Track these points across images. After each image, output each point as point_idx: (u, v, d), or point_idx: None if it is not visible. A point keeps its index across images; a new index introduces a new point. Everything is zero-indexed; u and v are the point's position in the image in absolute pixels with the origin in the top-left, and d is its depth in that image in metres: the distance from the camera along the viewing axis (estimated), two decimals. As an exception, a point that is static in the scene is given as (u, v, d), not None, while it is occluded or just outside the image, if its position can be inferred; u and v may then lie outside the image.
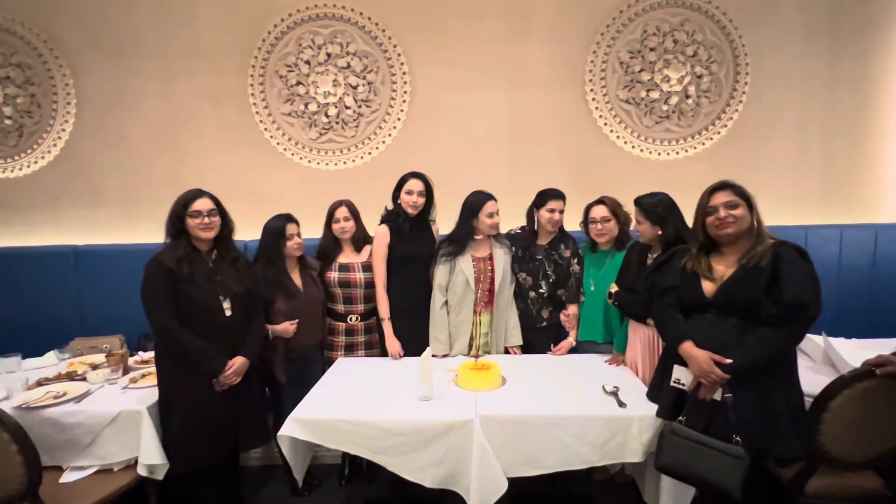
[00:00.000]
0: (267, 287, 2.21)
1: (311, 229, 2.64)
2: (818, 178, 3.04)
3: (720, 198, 1.55)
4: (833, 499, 1.67)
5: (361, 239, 2.51)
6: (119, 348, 2.63)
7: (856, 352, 2.03)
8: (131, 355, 2.52)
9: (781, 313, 1.41)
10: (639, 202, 2.03)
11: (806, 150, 3.02)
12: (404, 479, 1.74)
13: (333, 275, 2.42)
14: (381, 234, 2.42)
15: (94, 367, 2.32)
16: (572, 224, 2.57)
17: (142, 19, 2.95)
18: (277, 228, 2.29)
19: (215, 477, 2.06)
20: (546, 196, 2.35)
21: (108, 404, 1.95)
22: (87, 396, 2.01)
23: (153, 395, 1.98)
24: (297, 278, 2.35)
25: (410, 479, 1.74)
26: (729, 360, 1.44)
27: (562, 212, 2.34)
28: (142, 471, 1.87)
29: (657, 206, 1.98)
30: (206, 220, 1.92)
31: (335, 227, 2.45)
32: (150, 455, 1.86)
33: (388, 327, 2.40)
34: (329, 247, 2.48)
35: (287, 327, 2.26)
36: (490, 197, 2.34)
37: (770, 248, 1.49)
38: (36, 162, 3.05)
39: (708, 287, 1.55)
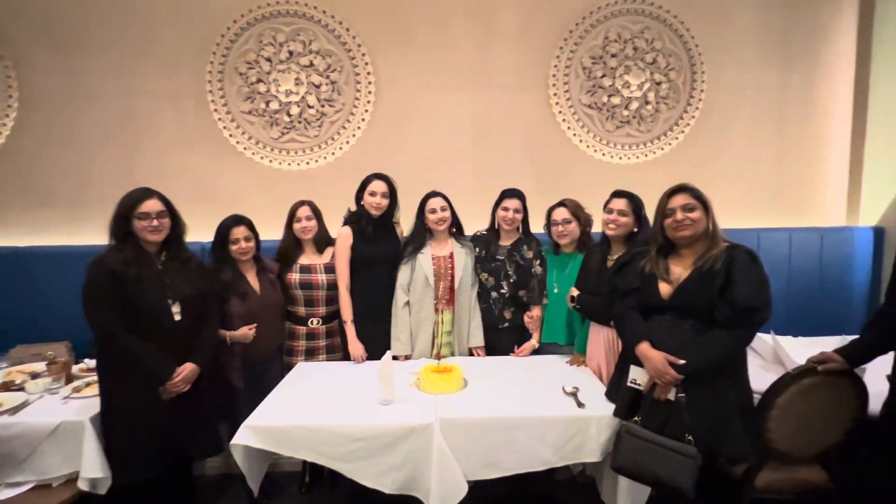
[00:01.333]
0: (220, 288, 2.14)
1: (272, 231, 2.57)
2: (769, 184, 3.16)
3: (678, 200, 1.59)
4: (781, 492, 1.72)
5: (323, 240, 2.46)
6: (64, 356, 2.49)
7: (803, 350, 2.11)
8: (76, 363, 2.39)
9: (734, 316, 1.45)
10: (626, 194, 2.05)
11: (758, 157, 3.14)
12: (365, 485, 1.71)
13: (294, 276, 2.36)
14: (343, 236, 2.38)
15: (34, 375, 2.19)
16: (538, 226, 2.60)
17: (94, 13, 2.83)
18: (223, 230, 2.22)
19: (165, 488, 1.97)
20: (502, 195, 2.39)
21: (48, 415, 1.84)
22: (25, 408, 1.90)
23: (96, 404, 1.88)
24: (253, 280, 2.28)
25: (369, 486, 1.71)
26: (682, 361, 1.47)
27: (518, 211, 2.35)
28: (83, 485, 1.77)
29: (641, 204, 2.02)
30: (155, 222, 1.83)
31: (296, 226, 2.39)
32: (92, 468, 1.76)
33: (350, 330, 2.36)
34: (290, 248, 2.42)
35: (246, 333, 2.19)
36: (435, 194, 2.36)
37: (724, 251, 1.53)
38: (-26, 158, 2.87)
39: (665, 289, 1.58)
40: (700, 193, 1.60)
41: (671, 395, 1.51)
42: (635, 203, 2.02)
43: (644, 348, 1.55)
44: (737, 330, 1.47)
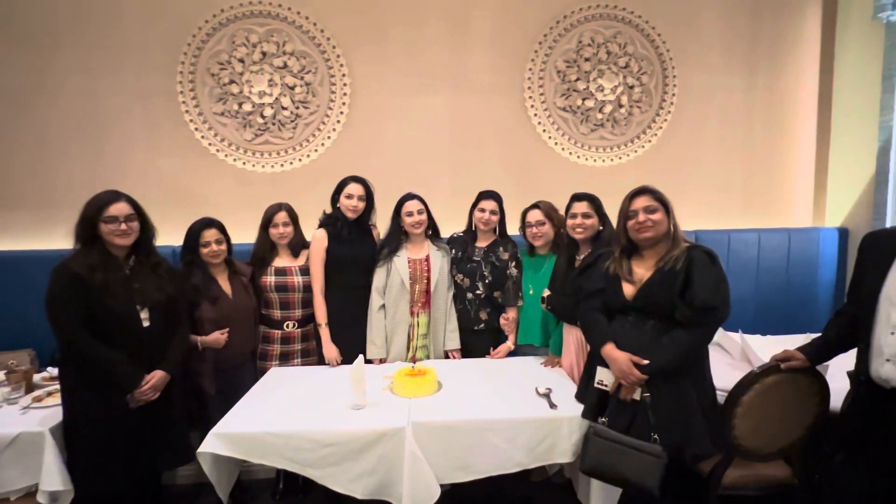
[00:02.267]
0: (191, 292, 2.09)
1: (245, 234, 2.53)
2: (739, 185, 3.24)
3: (640, 202, 1.61)
4: (747, 489, 1.76)
5: (299, 244, 2.43)
6: (26, 364, 2.42)
7: (771, 348, 2.14)
8: (38, 371, 2.31)
9: (694, 316, 1.48)
10: (587, 196, 2.09)
11: (727, 159, 3.21)
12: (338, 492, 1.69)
13: (269, 279, 2.33)
14: (319, 238, 2.35)
15: (-6, 385, 2.11)
16: (514, 228, 2.62)
17: (60, 10, 2.75)
18: (193, 233, 2.18)
19: (132, 500, 1.91)
20: (479, 196, 2.41)
21: (6, 426, 1.78)
22: (-19, 418, 1.83)
23: (58, 414, 1.82)
24: (224, 284, 2.24)
25: (341, 492, 1.69)
26: (646, 361, 1.49)
27: (494, 212, 2.36)
28: (42, 498, 1.71)
29: (600, 203, 2.05)
30: (123, 226, 1.78)
31: (273, 231, 2.36)
32: (52, 481, 1.70)
33: (325, 333, 2.33)
34: (265, 251, 2.39)
35: (218, 337, 2.15)
36: (411, 196, 2.35)
37: (684, 251, 1.56)
38: (-69, 160, 2.77)
39: (628, 290, 1.60)
40: (661, 195, 1.63)
41: (637, 395, 1.53)
42: (596, 203, 2.07)
43: (609, 349, 1.57)
44: (696, 329, 1.50)
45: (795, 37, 3.15)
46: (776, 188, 3.26)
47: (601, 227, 2.08)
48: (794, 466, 1.77)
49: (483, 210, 2.35)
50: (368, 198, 2.41)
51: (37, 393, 2.02)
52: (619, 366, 1.53)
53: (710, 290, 1.48)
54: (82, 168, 2.85)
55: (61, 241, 2.77)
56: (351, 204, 2.34)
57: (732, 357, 2.28)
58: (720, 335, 2.40)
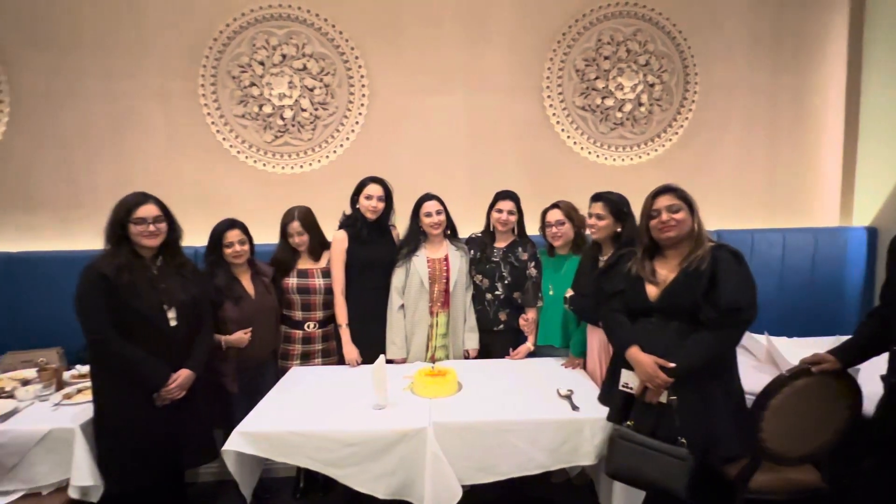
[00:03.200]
0: (214, 292, 2.12)
1: (267, 234, 2.56)
2: (762, 185, 3.17)
3: (663, 201, 1.59)
4: (774, 493, 1.72)
5: (319, 246, 2.44)
6: (56, 362, 2.47)
7: (797, 350, 2.11)
8: (68, 369, 2.36)
9: (719, 317, 1.46)
10: (601, 197, 2.06)
11: (751, 158, 3.15)
12: (359, 491, 1.70)
13: (292, 281, 2.35)
14: (339, 240, 2.37)
15: (25, 382, 2.17)
16: (533, 228, 2.60)
17: (84, 14, 2.81)
18: (217, 234, 2.21)
19: (157, 496, 1.95)
20: (495, 197, 2.40)
21: (38, 422, 1.82)
22: (14, 415, 1.87)
23: (88, 411, 1.86)
24: (247, 284, 2.26)
25: (363, 491, 1.70)
26: (672, 364, 1.47)
27: (511, 212, 2.35)
28: (73, 493, 1.75)
29: (621, 204, 2.02)
30: (152, 227, 1.82)
31: (290, 241, 2.38)
32: (83, 476, 1.74)
33: (345, 334, 2.35)
34: (286, 256, 2.41)
35: (241, 337, 2.17)
36: (429, 197, 2.36)
37: (709, 251, 1.53)
38: (-36, 163, 2.85)
39: (652, 291, 1.58)
40: (685, 194, 1.60)
41: (663, 398, 1.50)
42: (612, 203, 2.03)
43: (634, 352, 1.55)
44: (722, 331, 1.47)
45: (822, 32, 3.08)
46: (801, 187, 3.19)
47: (619, 229, 2.05)
48: (824, 471, 1.73)
49: (500, 210, 2.35)
50: (388, 198, 2.42)
51: (67, 390, 2.07)
52: (645, 369, 1.51)
53: (736, 291, 1.45)
54: (105, 170, 2.91)
55: (86, 241, 2.88)
56: (371, 205, 2.35)
57: (758, 359, 2.24)
58: (745, 337, 2.35)
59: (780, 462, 1.68)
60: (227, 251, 2.20)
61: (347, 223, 2.41)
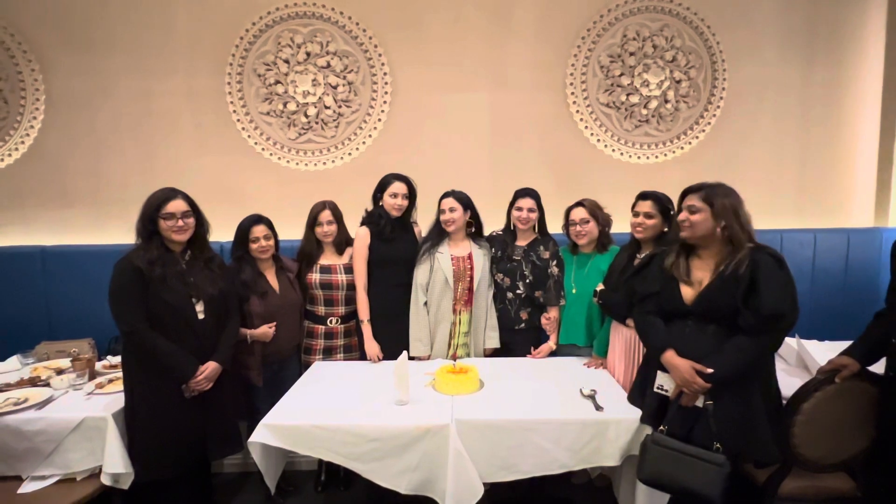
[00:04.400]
0: (240, 287, 2.16)
1: (290, 230, 2.60)
2: (793, 183, 3.09)
3: (687, 201, 1.56)
4: (806, 500, 1.68)
5: (343, 241, 2.47)
6: (88, 352, 2.55)
7: (828, 354, 2.04)
8: (99, 359, 2.44)
9: (759, 323, 1.42)
10: (652, 195, 2.02)
11: (781, 156, 3.07)
12: (380, 486, 1.71)
13: (315, 276, 2.38)
14: (361, 236, 2.38)
15: (59, 371, 2.24)
16: (556, 227, 2.58)
17: (114, 16, 2.88)
18: (243, 229, 2.25)
19: (185, 485, 2.00)
20: (515, 195, 2.38)
21: (72, 411, 1.88)
22: (50, 403, 1.94)
23: (119, 401, 1.91)
24: (272, 279, 2.30)
25: (385, 486, 1.71)
26: (710, 370, 1.44)
27: (532, 210, 2.33)
28: (106, 480, 1.81)
29: (668, 202, 1.99)
30: (180, 222, 1.86)
31: (318, 230, 2.40)
32: (115, 464, 1.79)
33: (367, 329, 2.36)
34: (311, 248, 2.43)
35: (266, 331, 2.21)
36: (448, 194, 2.35)
37: (747, 254, 1.49)
38: (2, 160, 2.95)
39: (687, 293, 1.55)
40: (711, 196, 1.55)
41: (699, 403, 1.47)
42: (661, 203, 1.99)
43: (670, 356, 1.52)
44: (762, 336, 1.44)
45: (859, 24, 2.97)
46: (834, 187, 3.09)
47: (665, 229, 2.01)
48: (857, 479, 1.68)
49: (520, 209, 2.33)
50: (411, 196, 2.43)
51: (99, 380, 2.13)
52: (681, 374, 1.48)
53: (778, 297, 1.41)
54: (135, 167, 2.98)
55: (117, 236, 2.96)
56: (396, 203, 2.36)
57: (788, 363, 2.18)
58: (775, 340, 2.30)
59: (813, 469, 1.64)
60: (253, 246, 2.23)
61: (370, 220, 2.42)
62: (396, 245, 2.39)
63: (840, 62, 3.01)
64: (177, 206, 1.87)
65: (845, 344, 2.32)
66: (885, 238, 2.93)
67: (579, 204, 2.28)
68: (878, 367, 1.64)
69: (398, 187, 2.37)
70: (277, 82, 2.96)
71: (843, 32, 2.99)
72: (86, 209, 3.01)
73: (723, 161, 3.06)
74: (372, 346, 2.35)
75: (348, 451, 1.70)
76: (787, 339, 2.21)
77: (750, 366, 1.45)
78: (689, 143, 3.06)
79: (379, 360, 2.33)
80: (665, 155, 3.07)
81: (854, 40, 3.00)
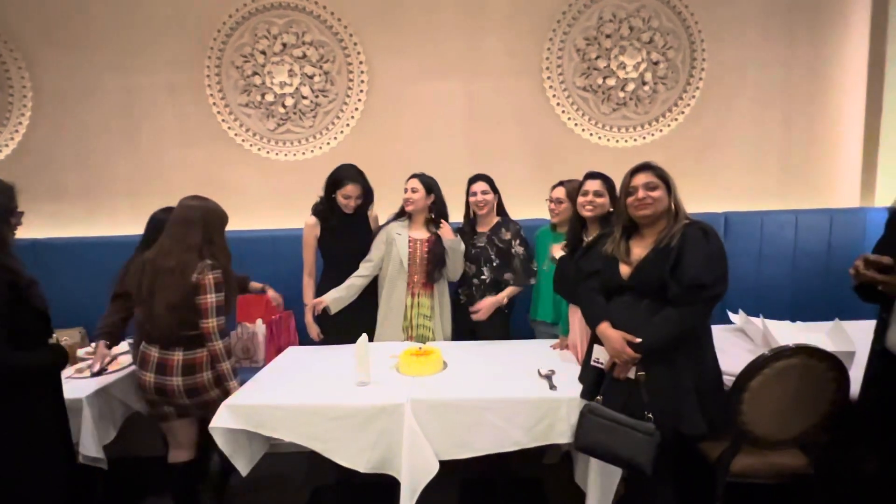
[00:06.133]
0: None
1: (270, 220, 2.65)
2: (776, 165, 3.05)
3: (640, 178, 1.56)
4: (758, 477, 1.69)
5: None
6: (78, 341, 2.65)
7: (797, 334, 2.05)
8: (83, 346, 2.52)
9: (683, 293, 1.43)
10: (600, 175, 2.00)
11: (764, 137, 3.03)
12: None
13: None
14: (310, 226, 2.39)
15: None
16: (532, 212, 2.59)
17: (96, 13, 2.94)
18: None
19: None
20: (468, 182, 2.40)
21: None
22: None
23: (94, 384, 1.98)
24: None
25: (345, 465, 1.75)
26: (639, 340, 1.46)
27: (486, 192, 2.34)
28: (83, 459, 1.87)
29: (613, 183, 1.98)
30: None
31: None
32: (89, 447, 1.86)
33: (308, 312, 2.38)
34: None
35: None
36: (413, 176, 2.37)
37: (680, 228, 1.50)
38: (-7, 155, 3.05)
39: (625, 270, 1.57)
40: (663, 172, 1.57)
41: (631, 374, 1.50)
42: (609, 183, 2.00)
43: (603, 328, 1.55)
44: (687, 307, 1.45)
45: (839, 2, 2.90)
46: (817, 167, 3.04)
47: (611, 209, 2.02)
48: (810, 455, 1.68)
49: (474, 193, 2.35)
50: (366, 195, 2.39)
51: (79, 365, 2.21)
52: (613, 344, 1.51)
53: (700, 267, 1.43)
54: (121, 160, 3.06)
55: (107, 228, 3.04)
56: (350, 203, 2.33)
57: (755, 343, 2.17)
58: (742, 320, 2.29)
59: (764, 445, 1.64)
60: None
61: (321, 214, 2.39)
62: (347, 240, 2.38)
63: (824, 39, 2.95)
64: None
65: (819, 324, 2.32)
66: (870, 219, 2.88)
67: (560, 184, 2.30)
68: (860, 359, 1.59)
69: (351, 190, 2.32)
70: (255, 74, 3.00)
71: (827, 9, 2.93)
72: (76, 202, 3.11)
73: (703, 143, 3.03)
74: (312, 328, 2.39)
75: (308, 431, 1.74)
76: (754, 320, 2.20)
77: (677, 337, 1.46)
78: (668, 125, 3.03)
79: (319, 339, 2.39)
80: (644, 138, 3.05)
81: (838, 17, 2.93)
